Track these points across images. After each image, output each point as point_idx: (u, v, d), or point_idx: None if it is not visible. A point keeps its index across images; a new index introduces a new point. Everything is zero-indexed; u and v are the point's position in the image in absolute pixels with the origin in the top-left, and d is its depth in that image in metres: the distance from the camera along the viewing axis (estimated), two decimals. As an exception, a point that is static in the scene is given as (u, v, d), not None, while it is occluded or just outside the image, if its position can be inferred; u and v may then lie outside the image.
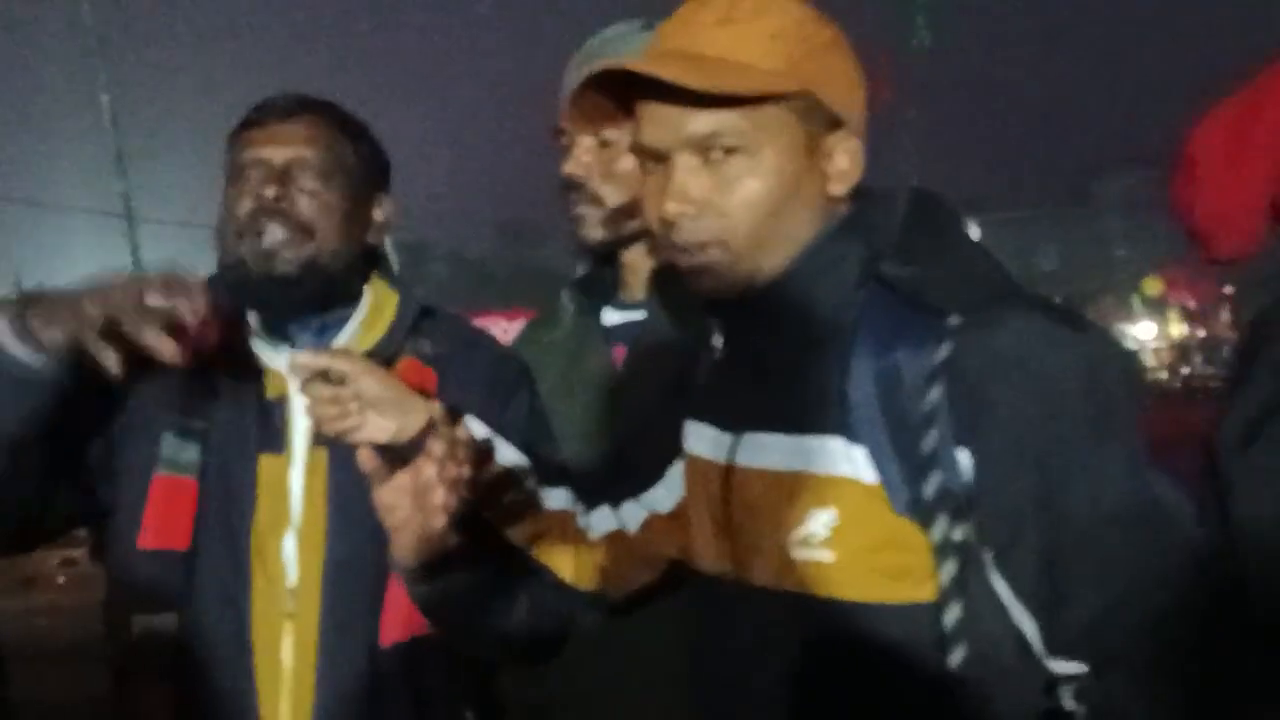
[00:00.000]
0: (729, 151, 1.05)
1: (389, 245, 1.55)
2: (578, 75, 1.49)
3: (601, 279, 1.60)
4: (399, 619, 1.36)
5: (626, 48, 1.45)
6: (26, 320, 1.17)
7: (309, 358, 1.26)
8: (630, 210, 1.49)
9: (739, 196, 1.06)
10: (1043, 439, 0.98)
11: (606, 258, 1.58)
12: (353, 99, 1.47)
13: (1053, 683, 1.01)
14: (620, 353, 1.54)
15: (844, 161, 1.10)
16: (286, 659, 1.34)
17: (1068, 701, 1.01)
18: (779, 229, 1.07)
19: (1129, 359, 1.07)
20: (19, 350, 1.17)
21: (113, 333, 1.15)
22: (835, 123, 1.09)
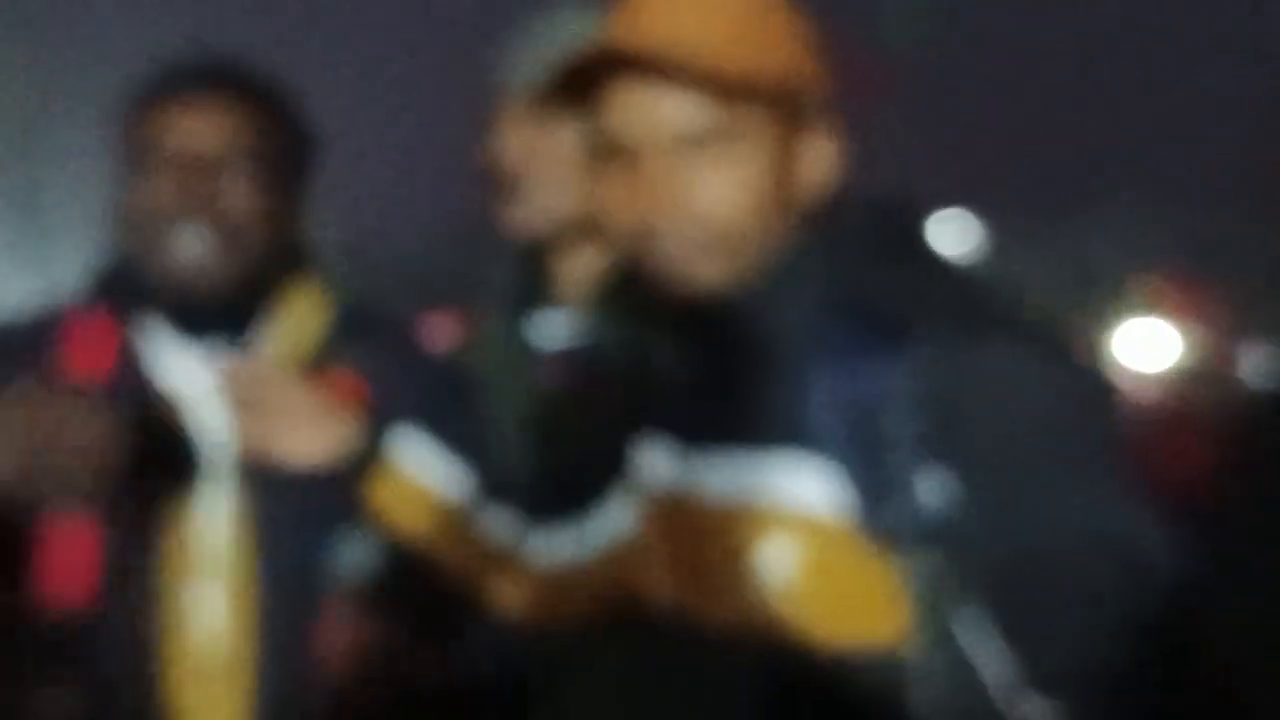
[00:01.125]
0: (711, 149, 1.04)
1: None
2: (529, 59, 1.47)
3: (534, 283, 1.57)
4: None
5: (580, 30, 1.41)
6: None
7: (219, 366, 1.23)
8: (566, 208, 1.47)
9: (721, 198, 1.05)
10: (1017, 467, 0.99)
11: (539, 259, 1.56)
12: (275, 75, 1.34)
13: None
14: (556, 364, 1.52)
15: (817, 166, 1.11)
16: None
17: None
18: (758, 234, 1.07)
19: (1109, 381, 1.09)
20: None
21: None
22: (810, 124, 1.10)
